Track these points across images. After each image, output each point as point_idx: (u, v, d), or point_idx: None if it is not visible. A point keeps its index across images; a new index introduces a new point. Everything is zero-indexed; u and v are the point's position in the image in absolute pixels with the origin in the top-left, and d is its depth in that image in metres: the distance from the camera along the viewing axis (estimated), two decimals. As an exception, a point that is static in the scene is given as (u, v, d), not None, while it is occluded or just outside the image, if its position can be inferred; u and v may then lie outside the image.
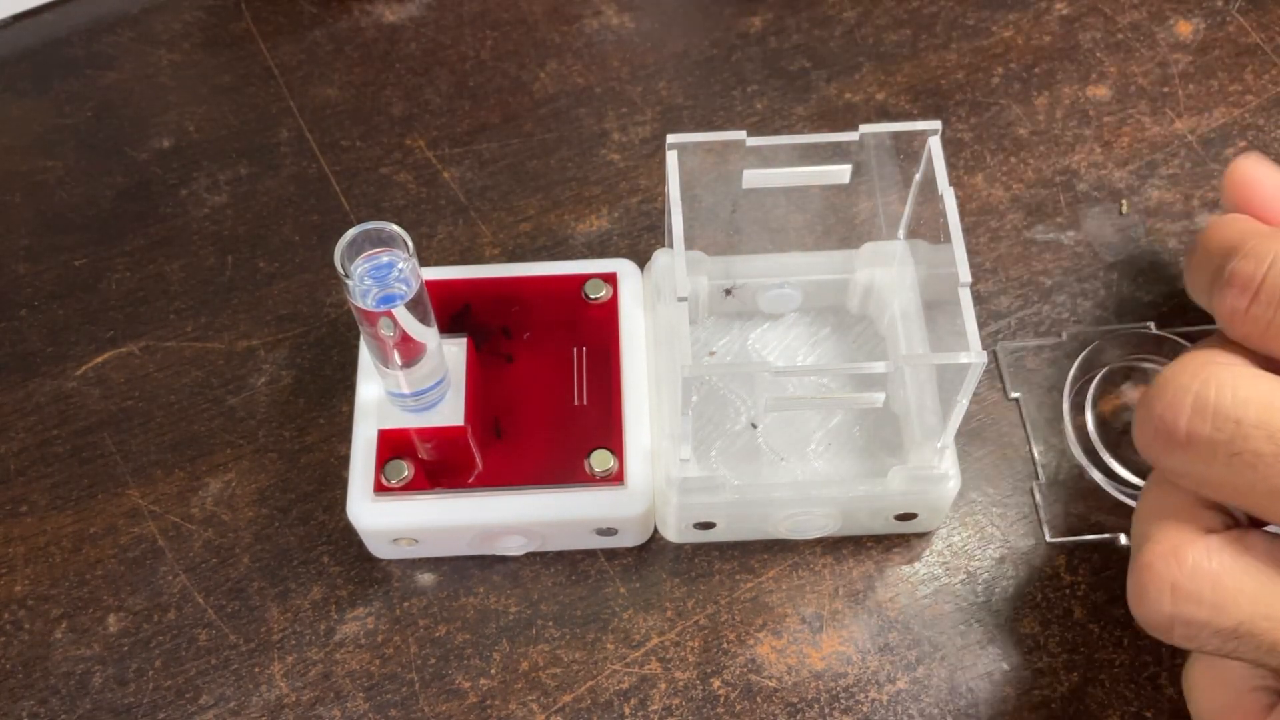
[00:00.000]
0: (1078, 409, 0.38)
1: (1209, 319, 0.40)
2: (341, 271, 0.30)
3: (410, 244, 0.31)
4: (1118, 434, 0.38)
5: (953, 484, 0.35)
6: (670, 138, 0.33)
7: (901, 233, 0.36)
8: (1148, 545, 0.28)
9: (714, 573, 0.37)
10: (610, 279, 0.38)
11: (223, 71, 0.47)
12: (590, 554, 0.37)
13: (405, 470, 0.35)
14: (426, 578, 0.37)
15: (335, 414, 0.39)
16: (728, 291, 0.38)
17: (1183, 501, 0.29)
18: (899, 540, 0.37)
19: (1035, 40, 0.47)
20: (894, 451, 0.37)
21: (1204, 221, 0.42)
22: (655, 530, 0.37)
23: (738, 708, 0.35)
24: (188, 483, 0.38)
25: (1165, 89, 0.45)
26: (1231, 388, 0.27)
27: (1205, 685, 0.31)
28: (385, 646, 0.36)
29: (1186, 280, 0.33)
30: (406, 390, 0.34)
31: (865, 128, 0.33)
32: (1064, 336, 0.40)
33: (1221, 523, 0.29)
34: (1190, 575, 0.27)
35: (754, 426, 0.38)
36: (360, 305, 0.31)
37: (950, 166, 0.43)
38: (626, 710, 0.35)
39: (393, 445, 0.35)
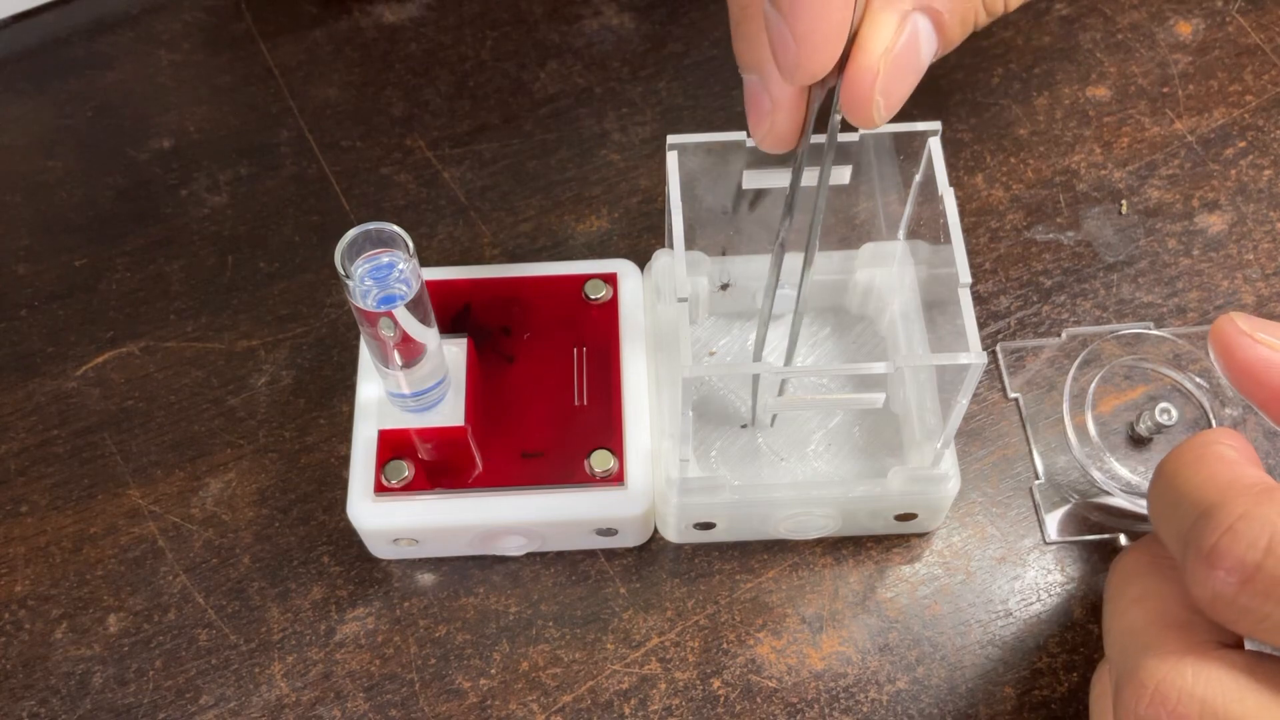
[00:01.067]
0: (1078, 409, 0.38)
1: (1208, 319, 0.40)
2: (342, 272, 0.30)
3: (410, 244, 0.31)
4: (1117, 434, 0.38)
5: (952, 484, 0.35)
6: (670, 138, 0.33)
7: (901, 233, 0.37)
8: (1150, 657, 0.27)
9: (714, 573, 0.37)
10: (610, 279, 0.38)
11: (223, 71, 0.47)
12: (590, 554, 0.37)
13: (405, 470, 0.35)
14: (426, 578, 0.37)
15: (335, 414, 0.39)
16: (723, 286, 0.38)
17: (1174, 601, 0.28)
18: (899, 540, 0.37)
19: (1035, 40, 0.47)
20: (894, 451, 0.37)
21: (1203, 222, 0.42)
22: (655, 530, 0.37)
23: (738, 708, 0.35)
24: (188, 483, 0.38)
25: (1165, 89, 0.45)
26: None
27: (1101, 694, 0.31)
28: (385, 646, 0.36)
29: (1149, 505, 0.29)
30: (407, 390, 0.34)
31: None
32: (1064, 336, 0.40)
33: (1214, 637, 0.27)
34: (1180, 698, 0.26)
35: (743, 427, 0.37)
36: (360, 306, 0.31)
37: (950, 167, 0.43)
38: (626, 710, 0.35)
39: (393, 445, 0.35)
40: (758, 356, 0.35)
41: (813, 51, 0.27)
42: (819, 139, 0.30)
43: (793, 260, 0.38)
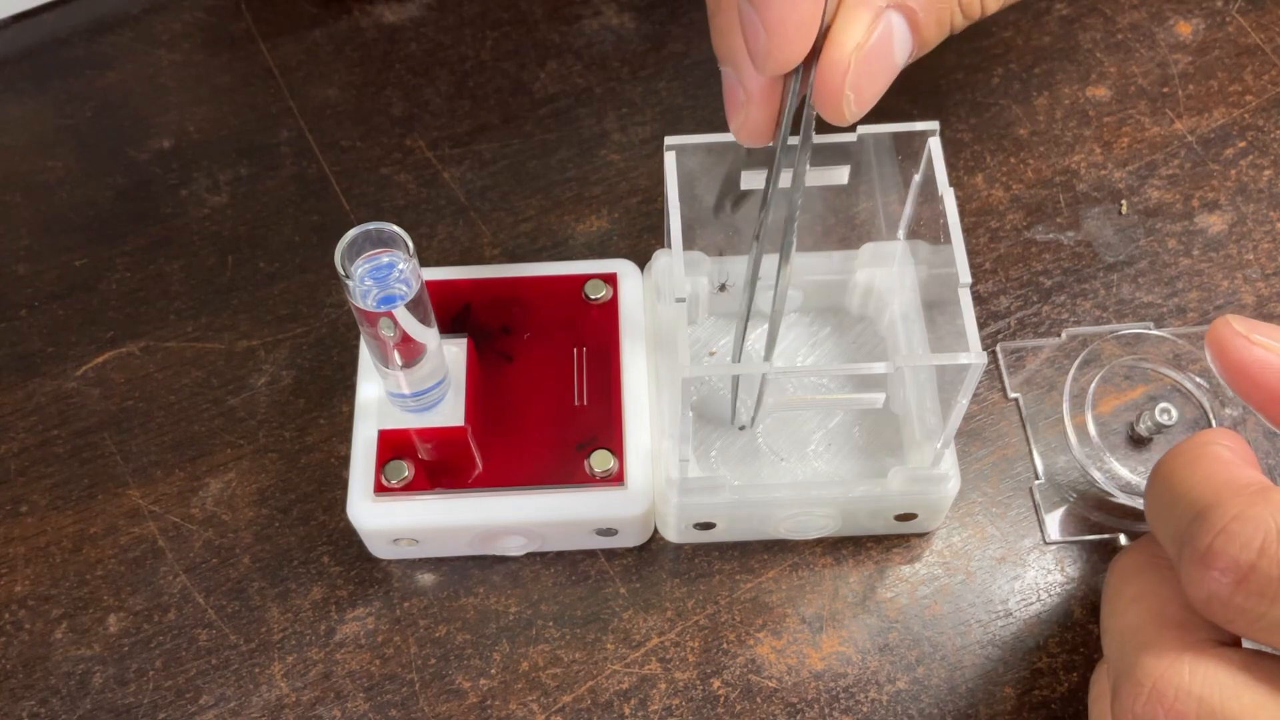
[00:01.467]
0: (1078, 409, 0.38)
1: (1208, 319, 0.40)
2: (342, 272, 0.30)
3: (410, 244, 0.31)
4: (1117, 434, 0.38)
5: (952, 484, 0.35)
6: (668, 139, 0.33)
7: (901, 233, 0.37)
8: (1148, 655, 0.27)
9: (714, 573, 0.37)
10: (610, 279, 0.38)
11: (223, 71, 0.47)
12: (590, 554, 0.37)
13: (405, 470, 0.35)
14: (426, 578, 0.37)
15: (335, 414, 0.39)
16: (721, 287, 0.38)
17: (1180, 610, 0.28)
18: (899, 540, 0.37)
19: (1035, 40, 0.47)
20: (894, 451, 0.37)
21: (1203, 222, 0.42)
22: (655, 530, 0.37)
23: (738, 708, 0.35)
24: (188, 483, 0.38)
25: (1165, 89, 0.45)
26: None
27: (1099, 694, 0.31)
28: (385, 646, 0.36)
29: (1146, 506, 0.30)
30: (406, 390, 0.34)
31: (865, 128, 0.33)
32: (1064, 336, 0.40)
33: (1211, 635, 0.27)
34: (1177, 696, 0.26)
35: (741, 428, 0.37)
36: (360, 306, 0.31)
37: (950, 166, 0.43)
38: (626, 710, 0.35)
39: (393, 445, 0.35)
40: (737, 356, 0.35)
41: (783, 42, 0.27)
42: (818, 140, 0.30)
43: (792, 259, 0.38)
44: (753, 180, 0.34)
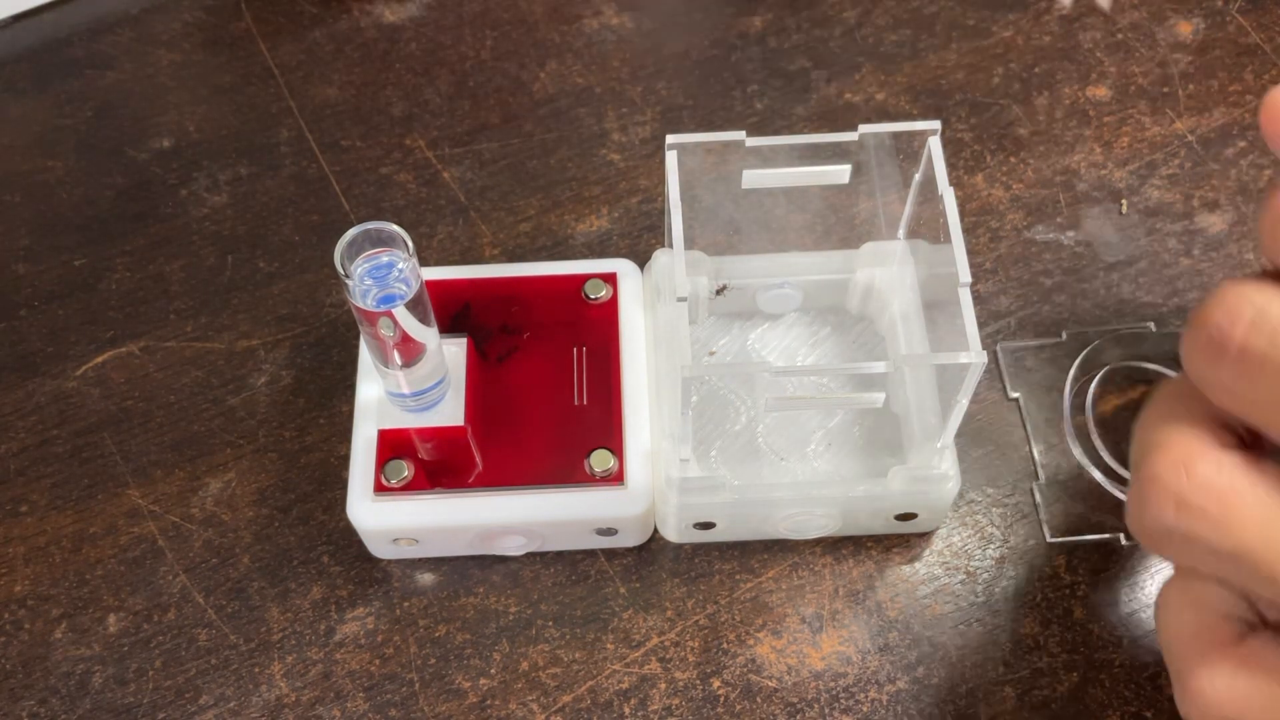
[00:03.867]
0: (1078, 409, 0.38)
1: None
2: (341, 271, 0.30)
3: (410, 244, 0.31)
4: (1118, 434, 0.38)
5: (953, 484, 0.35)
6: (670, 138, 0.33)
7: (901, 233, 0.37)
8: (1156, 453, 0.26)
9: (714, 573, 0.37)
10: (610, 279, 0.38)
11: (223, 71, 0.47)
12: (590, 554, 0.37)
13: (405, 470, 0.35)
14: (426, 578, 0.37)
15: (335, 414, 0.39)
16: (718, 291, 0.38)
17: (1197, 412, 0.26)
18: (899, 540, 0.37)
19: (1035, 40, 0.47)
20: (894, 451, 0.37)
21: (1203, 222, 0.42)
22: (655, 530, 0.37)
23: (738, 708, 0.35)
24: (188, 483, 0.38)
25: (1165, 89, 0.45)
26: None
27: (1177, 606, 0.29)
28: (385, 646, 0.36)
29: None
30: (406, 390, 0.34)
31: (865, 128, 0.33)
32: (1064, 336, 0.40)
33: (1232, 441, 0.26)
34: (1198, 489, 0.25)
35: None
36: (360, 305, 0.31)
37: (950, 166, 0.43)
38: (626, 710, 0.35)
39: (393, 445, 0.35)
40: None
41: None
42: (818, 139, 0.30)
43: (792, 260, 0.38)
44: (754, 180, 0.34)
